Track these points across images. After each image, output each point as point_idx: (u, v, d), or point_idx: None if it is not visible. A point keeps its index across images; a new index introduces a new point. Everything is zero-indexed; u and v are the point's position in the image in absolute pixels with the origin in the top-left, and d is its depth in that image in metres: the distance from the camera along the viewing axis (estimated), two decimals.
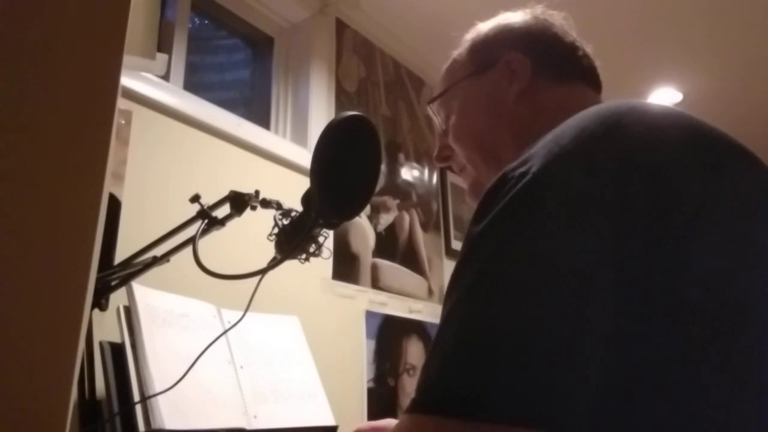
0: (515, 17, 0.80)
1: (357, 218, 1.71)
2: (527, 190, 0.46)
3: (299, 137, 1.81)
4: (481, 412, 0.40)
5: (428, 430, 0.42)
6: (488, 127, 0.76)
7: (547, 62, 0.75)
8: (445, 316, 0.46)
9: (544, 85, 0.74)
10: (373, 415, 1.68)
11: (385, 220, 2.00)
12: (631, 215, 0.44)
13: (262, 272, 0.73)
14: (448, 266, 2.23)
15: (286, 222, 0.77)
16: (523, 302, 0.42)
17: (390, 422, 0.93)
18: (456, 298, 0.45)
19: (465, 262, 0.47)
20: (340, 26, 2.02)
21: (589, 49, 0.78)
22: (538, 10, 0.80)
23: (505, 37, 0.78)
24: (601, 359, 0.42)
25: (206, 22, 1.84)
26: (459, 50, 0.83)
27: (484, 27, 0.81)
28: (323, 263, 1.66)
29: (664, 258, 0.44)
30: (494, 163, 0.74)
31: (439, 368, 0.43)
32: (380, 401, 1.74)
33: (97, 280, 0.87)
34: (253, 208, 0.85)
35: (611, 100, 0.57)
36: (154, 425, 0.83)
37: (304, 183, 0.70)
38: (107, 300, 0.97)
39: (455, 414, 0.41)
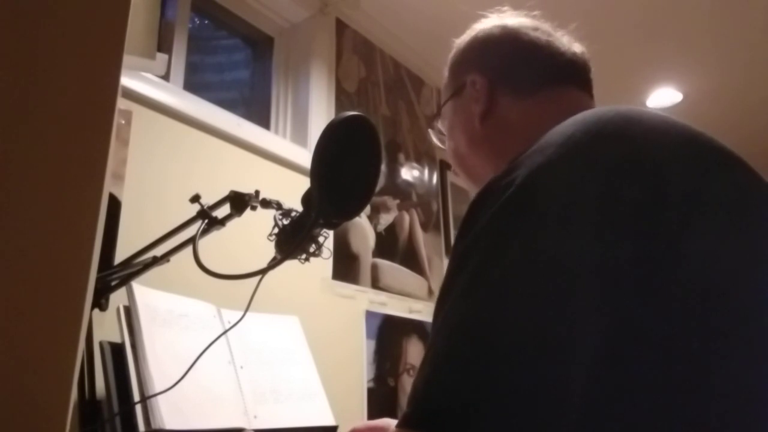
0: (482, 28, 0.79)
1: (357, 218, 1.71)
2: (512, 200, 0.46)
3: (299, 137, 1.81)
4: (465, 430, 0.39)
5: None
6: (466, 149, 0.77)
7: (507, 77, 0.73)
8: (437, 328, 0.46)
9: (507, 101, 0.73)
10: (373, 415, 1.68)
11: (385, 220, 2.00)
12: (618, 219, 0.44)
13: (262, 272, 0.73)
14: None
15: (286, 222, 0.77)
16: (511, 316, 0.42)
17: (386, 422, 0.93)
18: (446, 311, 0.45)
19: (454, 274, 0.47)
20: (340, 26, 2.02)
21: (565, 39, 0.75)
22: (506, 15, 0.79)
23: (469, 55, 0.79)
24: (592, 370, 0.41)
25: (206, 22, 1.84)
26: (445, 69, 0.83)
27: (459, 44, 0.81)
28: (323, 263, 1.66)
29: (654, 259, 0.44)
30: (479, 183, 0.75)
31: (427, 382, 0.43)
32: (380, 401, 1.74)
33: (97, 280, 0.86)
34: (253, 208, 0.85)
35: (602, 105, 0.57)
36: (154, 425, 0.83)
37: (304, 183, 0.70)
38: (107, 300, 0.97)
39: (440, 430, 0.40)
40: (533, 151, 0.50)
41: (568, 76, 0.73)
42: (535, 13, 0.78)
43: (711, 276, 0.46)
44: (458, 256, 0.47)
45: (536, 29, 0.75)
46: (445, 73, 0.83)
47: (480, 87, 0.74)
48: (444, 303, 0.46)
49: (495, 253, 0.45)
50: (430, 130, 0.90)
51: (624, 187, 0.45)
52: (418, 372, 0.44)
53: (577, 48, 0.75)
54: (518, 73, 0.73)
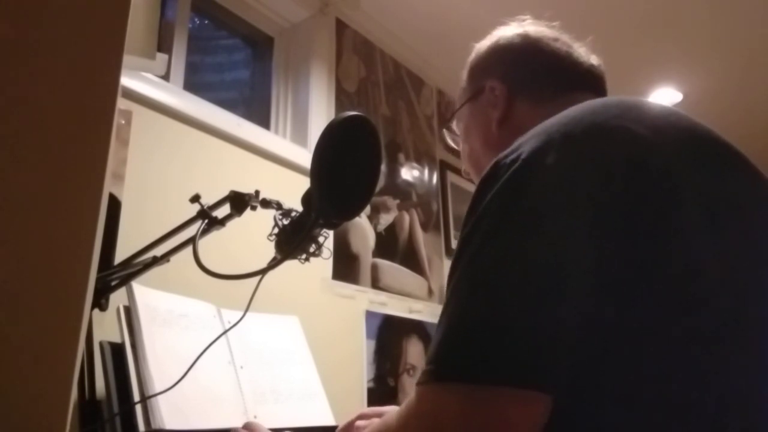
0: (504, 35, 0.81)
1: (357, 218, 1.71)
2: (516, 177, 0.49)
3: (299, 137, 1.81)
4: (479, 376, 0.43)
5: (432, 397, 0.46)
6: (481, 153, 0.80)
7: (526, 86, 0.76)
8: (448, 294, 0.49)
9: (524, 108, 0.75)
10: None
11: (385, 220, 2.00)
12: (615, 202, 0.46)
13: (262, 272, 0.73)
14: (448, 266, 2.22)
15: (286, 222, 0.77)
16: (516, 278, 0.45)
17: (394, 409, 0.93)
18: (456, 279, 0.49)
19: (464, 245, 0.50)
20: (340, 26, 2.02)
21: (583, 50, 0.77)
22: (527, 24, 0.81)
23: (490, 62, 0.80)
24: (585, 337, 0.44)
25: (206, 22, 1.84)
26: (464, 72, 0.85)
27: (479, 49, 0.83)
28: (323, 263, 1.66)
29: (649, 242, 0.46)
30: None
31: (441, 343, 0.47)
32: (380, 401, 1.73)
33: (97, 280, 0.86)
34: (253, 208, 0.85)
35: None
36: (154, 425, 0.83)
37: (304, 183, 0.70)
38: (107, 300, 0.97)
39: (457, 379, 0.44)
40: (539, 130, 0.52)
41: (586, 85, 0.75)
42: (555, 23, 0.80)
43: (708, 274, 0.46)
44: (468, 228, 0.50)
45: (556, 40, 0.78)
46: (464, 75, 0.85)
47: (499, 93, 0.76)
48: (454, 272, 0.50)
49: (500, 227, 0.48)
50: (444, 131, 0.92)
51: (622, 172, 0.47)
52: (435, 334, 0.48)
53: (594, 60, 0.78)
54: (538, 82, 0.76)
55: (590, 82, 0.76)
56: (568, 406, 0.43)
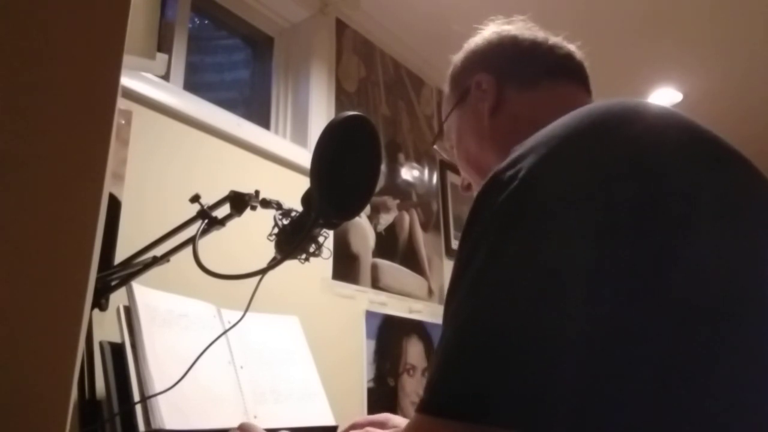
0: (478, 39, 0.83)
1: (357, 218, 1.71)
2: (516, 195, 0.47)
3: (299, 137, 1.81)
4: (479, 418, 0.41)
5: (428, 428, 0.44)
6: (477, 150, 0.79)
7: (512, 72, 0.77)
8: (447, 321, 0.47)
9: (513, 95, 0.76)
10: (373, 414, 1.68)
11: (385, 220, 2.00)
12: (620, 217, 0.45)
13: (262, 272, 0.73)
14: (448, 266, 2.23)
15: (286, 222, 0.77)
16: (511, 314, 0.43)
17: (387, 416, 0.93)
18: (455, 306, 0.47)
19: (462, 269, 0.48)
20: (340, 26, 2.02)
21: (556, 39, 0.79)
22: (499, 23, 0.83)
23: (471, 62, 0.82)
24: (583, 366, 0.42)
25: (206, 22, 1.84)
26: (446, 86, 0.87)
27: (456, 58, 0.85)
28: (323, 263, 1.66)
29: (652, 261, 0.44)
30: None
31: (441, 371, 0.45)
32: (380, 401, 1.74)
33: (97, 280, 0.86)
34: (253, 208, 0.85)
35: (605, 99, 0.58)
36: (154, 425, 0.83)
37: (304, 183, 0.70)
38: (107, 300, 0.97)
39: (454, 417, 0.42)
40: (538, 142, 0.50)
41: (567, 71, 0.77)
42: (530, 25, 0.82)
43: (709, 277, 0.46)
44: (466, 250, 0.49)
45: (531, 30, 0.80)
46: (446, 88, 0.86)
47: (487, 84, 0.77)
48: (453, 297, 0.48)
49: (498, 251, 0.46)
50: (435, 148, 0.92)
51: (627, 184, 0.46)
52: (433, 362, 0.46)
53: (572, 47, 0.79)
54: (520, 67, 0.77)
55: (571, 67, 0.77)
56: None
